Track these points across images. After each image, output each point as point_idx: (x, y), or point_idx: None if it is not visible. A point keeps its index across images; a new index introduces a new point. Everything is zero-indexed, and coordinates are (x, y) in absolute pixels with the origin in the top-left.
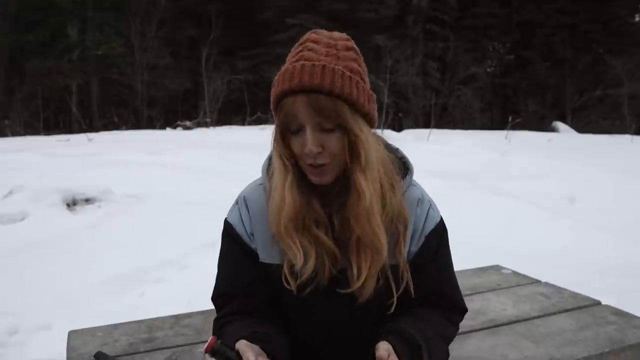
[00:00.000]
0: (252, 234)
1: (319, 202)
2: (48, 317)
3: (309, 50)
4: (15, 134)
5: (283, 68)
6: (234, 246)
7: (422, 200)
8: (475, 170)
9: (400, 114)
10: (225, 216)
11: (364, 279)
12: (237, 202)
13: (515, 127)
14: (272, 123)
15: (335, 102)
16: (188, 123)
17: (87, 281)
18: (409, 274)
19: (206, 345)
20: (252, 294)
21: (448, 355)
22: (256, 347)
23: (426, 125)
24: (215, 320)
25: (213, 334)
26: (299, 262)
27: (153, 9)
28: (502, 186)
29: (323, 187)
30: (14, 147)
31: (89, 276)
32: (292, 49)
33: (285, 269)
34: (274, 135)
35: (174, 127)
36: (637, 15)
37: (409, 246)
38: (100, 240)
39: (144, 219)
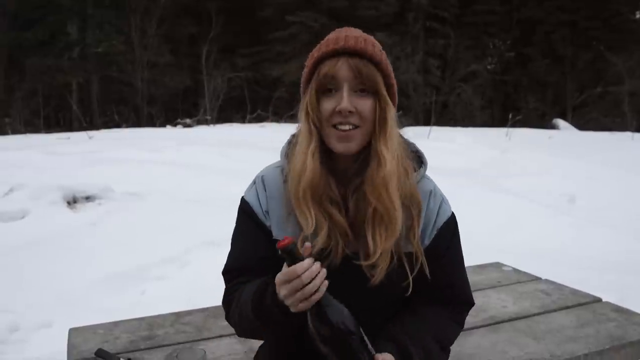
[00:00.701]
0: (268, 212)
1: (335, 182)
2: (48, 314)
3: (345, 31)
4: (15, 131)
5: (323, 40)
6: (249, 223)
7: (435, 194)
8: (475, 167)
9: (400, 112)
10: (242, 194)
11: (379, 253)
12: (254, 182)
13: (516, 124)
14: (272, 121)
15: (373, 69)
16: (188, 121)
17: (88, 279)
18: (424, 258)
19: (280, 241)
20: (265, 269)
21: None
22: None
23: (427, 122)
24: (226, 290)
25: (223, 304)
26: (309, 229)
27: (153, 7)
28: (502, 183)
29: (341, 166)
30: (14, 145)
31: (89, 274)
32: (332, 32)
33: (298, 244)
34: (306, 100)
35: (174, 124)
36: (637, 12)
37: (422, 239)
38: (100, 237)
39: (144, 216)
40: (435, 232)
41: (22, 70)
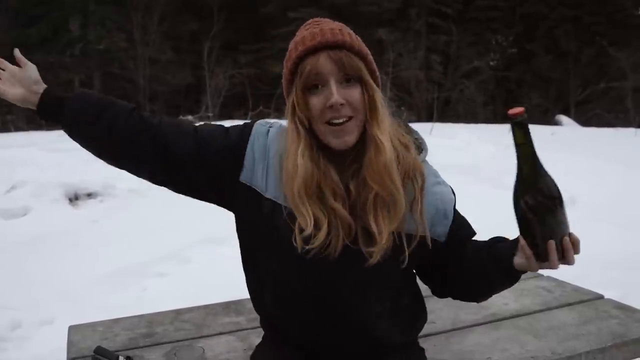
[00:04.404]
0: (254, 158)
1: (335, 171)
2: (50, 311)
3: (317, 24)
4: (18, 129)
5: (298, 38)
6: (233, 135)
7: (437, 178)
8: (478, 163)
9: (402, 108)
10: (258, 121)
11: (385, 236)
12: (271, 126)
13: None
14: (274, 117)
15: (355, 58)
16: (190, 117)
17: (90, 275)
18: (428, 236)
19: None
20: (174, 138)
21: None
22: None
23: (429, 119)
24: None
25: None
26: (308, 228)
27: (155, 3)
28: (505, 179)
29: (338, 157)
30: (16, 142)
31: (91, 270)
32: (299, 31)
33: (297, 230)
34: (291, 100)
35: None
36: None
37: (436, 227)
38: (102, 234)
39: (145, 213)
40: (446, 220)
41: None
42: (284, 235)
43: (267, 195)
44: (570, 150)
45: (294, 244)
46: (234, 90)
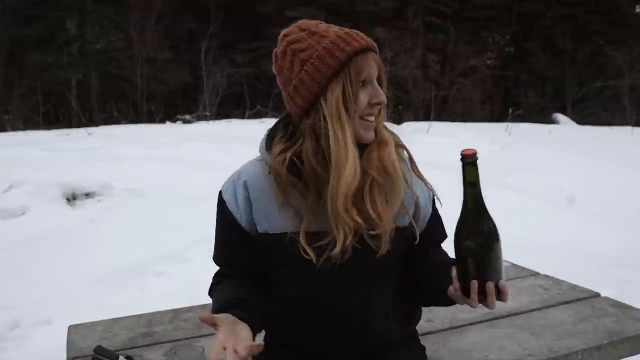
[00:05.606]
0: (244, 213)
1: None
2: (49, 311)
3: (329, 26)
4: (15, 128)
5: (336, 35)
6: (226, 219)
7: (418, 182)
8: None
9: (400, 107)
10: (221, 188)
11: (387, 220)
12: (233, 180)
13: (516, 119)
14: (272, 117)
15: (382, 65)
16: (188, 117)
17: (88, 275)
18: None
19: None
20: (240, 261)
21: None
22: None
23: (426, 118)
24: (213, 277)
25: (211, 288)
26: (340, 245)
27: (152, 3)
28: (502, 179)
29: None
30: (14, 142)
31: (89, 270)
32: (316, 27)
33: (302, 239)
34: (347, 91)
35: (174, 121)
36: (638, 7)
37: (415, 220)
38: (100, 234)
39: (144, 213)
40: (426, 218)
41: (21, 67)
42: (295, 255)
43: (273, 232)
44: (567, 149)
45: (305, 257)
46: (232, 90)
